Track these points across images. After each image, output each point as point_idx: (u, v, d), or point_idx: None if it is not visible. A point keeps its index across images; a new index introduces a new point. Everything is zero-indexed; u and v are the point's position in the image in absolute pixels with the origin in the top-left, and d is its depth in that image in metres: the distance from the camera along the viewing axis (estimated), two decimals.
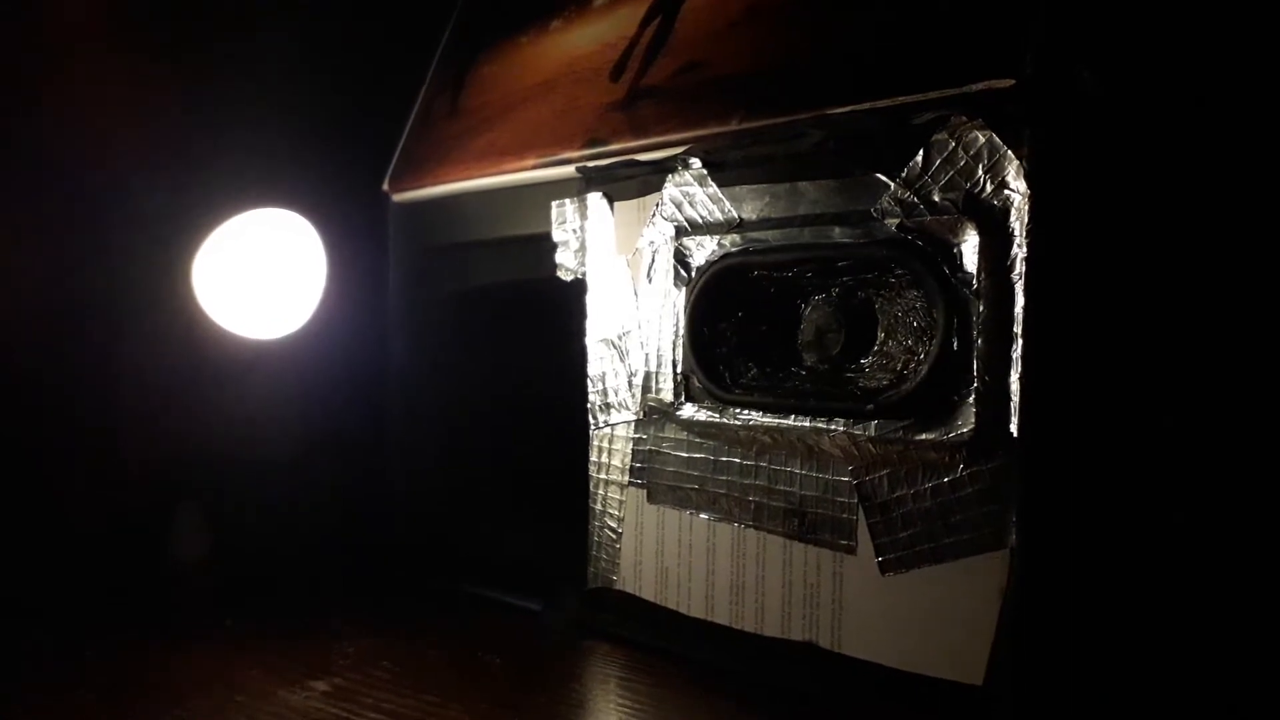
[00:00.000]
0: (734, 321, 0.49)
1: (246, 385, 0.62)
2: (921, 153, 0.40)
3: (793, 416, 0.45)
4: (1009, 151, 0.38)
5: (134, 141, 0.59)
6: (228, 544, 0.66)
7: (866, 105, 0.42)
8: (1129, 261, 0.38)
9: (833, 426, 0.44)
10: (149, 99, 0.61)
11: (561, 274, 0.58)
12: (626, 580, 0.54)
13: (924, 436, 0.40)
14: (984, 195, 0.39)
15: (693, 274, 0.50)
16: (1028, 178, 0.37)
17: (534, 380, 0.62)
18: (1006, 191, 0.38)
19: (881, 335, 0.44)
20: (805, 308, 0.47)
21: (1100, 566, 0.39)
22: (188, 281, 0.58)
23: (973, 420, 0.39)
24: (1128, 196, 0.38)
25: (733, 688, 0.48)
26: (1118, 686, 0.39)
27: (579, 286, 0.57)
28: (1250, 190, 0.39)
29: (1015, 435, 0.38)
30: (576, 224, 0.57)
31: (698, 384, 0.50)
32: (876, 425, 0.42)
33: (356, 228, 0.68)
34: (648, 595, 0.53)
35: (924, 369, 0.40)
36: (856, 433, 0.43)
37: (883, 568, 0.43)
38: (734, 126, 0.47)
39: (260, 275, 0.61)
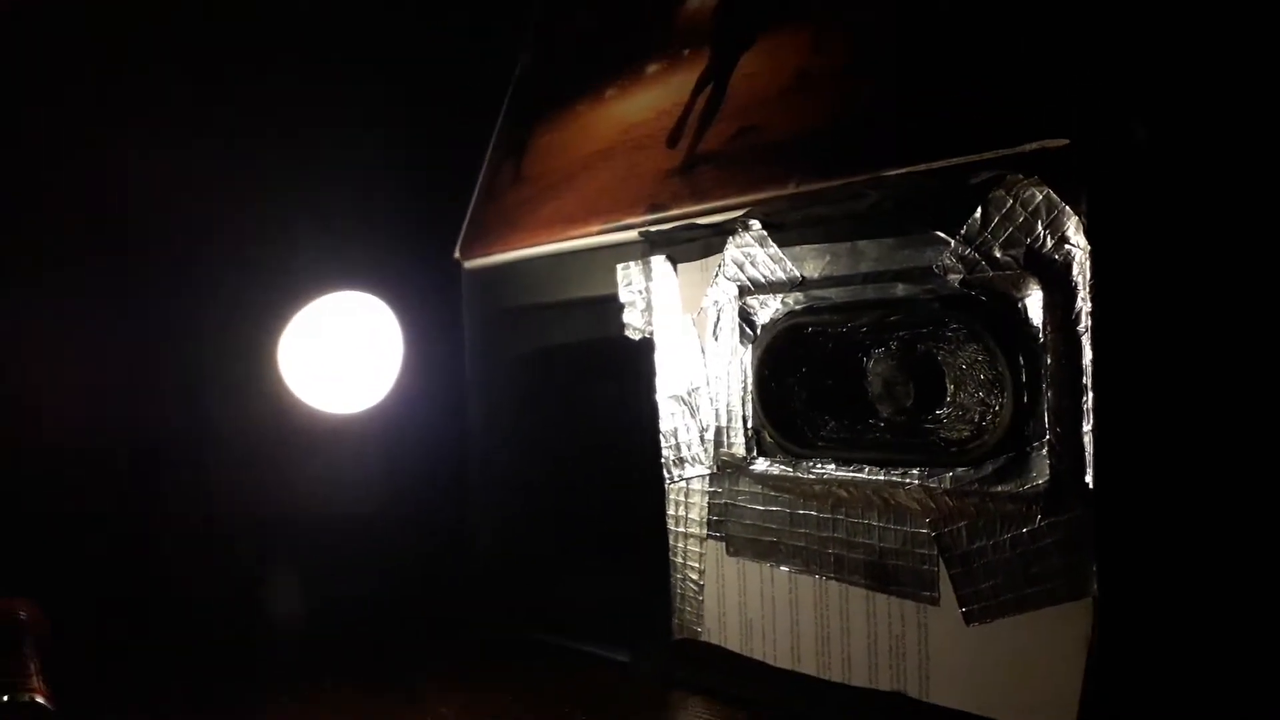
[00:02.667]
0: (800, 376, 0.50)
1: (333, 456, 0.65)
2: (980, 210, 0.41)
3: (867, 470, 0.46)
4: (1067, 208, 0.38)
5: (224, 232, 0.63)
6: (318, 606, 0.68)
7: (922, 167, 0.43)
8: (1192, 310, 0.38)
9: (908, 480, 0.44)
10: (227, 191, 0.64)
11: (630, 333, 0.60)
12: (711, 632, 0.55)
13: (1000, 488, 0.41)
14: (1045, 250, 0.39)
15: (758, 331, 0.51)
16: (1087, 233, 0.38)
17: (609, 437, 0.63)
18: (1067, 246, 0.39)
19: (951, 387, 0.44)
20: (868, 361, 0.48)
21: (1184, 614, 0.39)
22: (274, 362, 0.61)
23: (1047, 472, 0.39)
24: (1188, 245, 0.38)
25: None
26: None
27: (647, 345, 0.58)
28: None
29: (1090, 486, 0.38)
30: (642, 285, 0.59)
31: (769, 438, 0.51)
32: (952, 478, 0.43)
33: (429, 298, 0.71)
34: (733, 646, 0.54)
35: (1004, 420, 0.40)
36: (932, 485, 0.43)
37: (967, 618, 0.43)
38: (791, 190, 0.48)
39: (341, 354, 0.64)
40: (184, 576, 0.66)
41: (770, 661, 0.52)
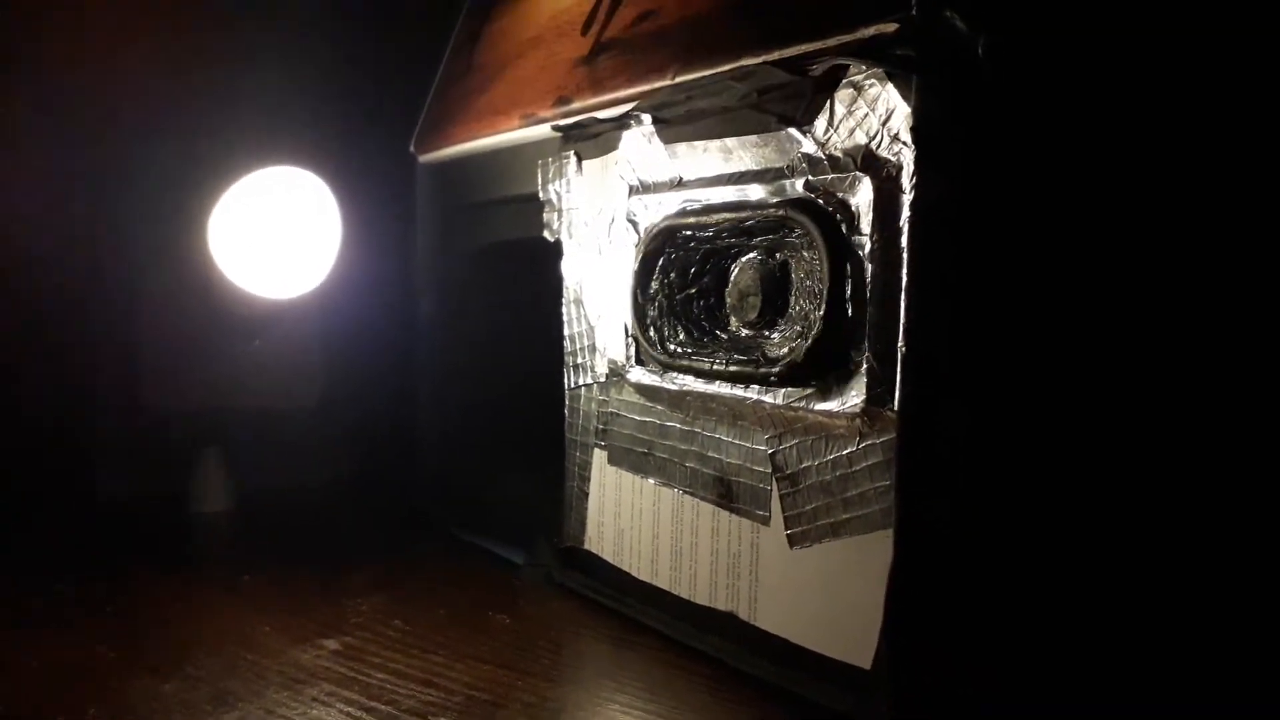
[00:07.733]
0: (665, 284, 0.48)
1: (267, 341, 0.65)
2: (829, 106, 0.38)
3: (717, 383, 0.44)
4: (902, 103, 0.35)
5: (152, 97, 0.62)
6: (247, 495, 0.68)
7: (774, 54, 0.39)
8: (1019, 222, 0.34)
9: (747, 394, 0.42)
10: (169, 54, 0.63)
11: (547, 234, 0.58)
12: (592, 540, 0.55)
13: (822, 406, 0.38)
14: (879, 151, 0.36)
15: (641, 234, 0.49)
16: (913, 131, 0.34)
17: (535, 340, 0.62)
18: (899, 146, 0.35)
19: (793, 299, 0.42)
20: (734, 270, 0.45)
21: (983, 550, 0.36)
22: (203, 239, 0.62)
23: (864, 391, 0.37)
24: (1016, 153, 0.34)
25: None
26: (1002, 677, 0.36)
27: (559, 247, 0.57)
28: (1135, 148, 0.34)
29: (895, 410, 0.35)
30: (556, 183, 0.57)
31: (643, 347, 0.49)
32: (784, 394, 0.40)
33: (379, 186, 0.70)
34: (607, 556, 0.53)
35: (810, 337, 0.38)
36: (766, 401, 0.41)
37: (791, 541, 0.41)
38: (670, 80, 0.45)
39: (275, 234, 0.64)
40: (108, 460, 0.66)
41: (634, 573, 0.51)
